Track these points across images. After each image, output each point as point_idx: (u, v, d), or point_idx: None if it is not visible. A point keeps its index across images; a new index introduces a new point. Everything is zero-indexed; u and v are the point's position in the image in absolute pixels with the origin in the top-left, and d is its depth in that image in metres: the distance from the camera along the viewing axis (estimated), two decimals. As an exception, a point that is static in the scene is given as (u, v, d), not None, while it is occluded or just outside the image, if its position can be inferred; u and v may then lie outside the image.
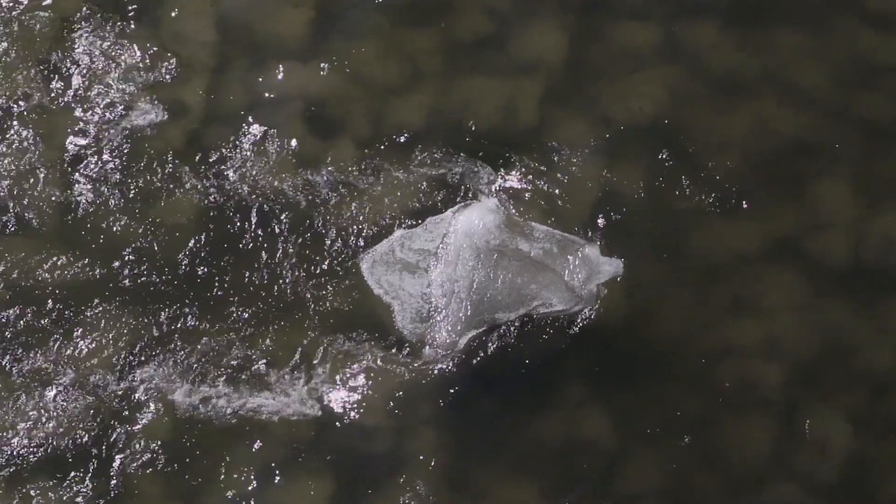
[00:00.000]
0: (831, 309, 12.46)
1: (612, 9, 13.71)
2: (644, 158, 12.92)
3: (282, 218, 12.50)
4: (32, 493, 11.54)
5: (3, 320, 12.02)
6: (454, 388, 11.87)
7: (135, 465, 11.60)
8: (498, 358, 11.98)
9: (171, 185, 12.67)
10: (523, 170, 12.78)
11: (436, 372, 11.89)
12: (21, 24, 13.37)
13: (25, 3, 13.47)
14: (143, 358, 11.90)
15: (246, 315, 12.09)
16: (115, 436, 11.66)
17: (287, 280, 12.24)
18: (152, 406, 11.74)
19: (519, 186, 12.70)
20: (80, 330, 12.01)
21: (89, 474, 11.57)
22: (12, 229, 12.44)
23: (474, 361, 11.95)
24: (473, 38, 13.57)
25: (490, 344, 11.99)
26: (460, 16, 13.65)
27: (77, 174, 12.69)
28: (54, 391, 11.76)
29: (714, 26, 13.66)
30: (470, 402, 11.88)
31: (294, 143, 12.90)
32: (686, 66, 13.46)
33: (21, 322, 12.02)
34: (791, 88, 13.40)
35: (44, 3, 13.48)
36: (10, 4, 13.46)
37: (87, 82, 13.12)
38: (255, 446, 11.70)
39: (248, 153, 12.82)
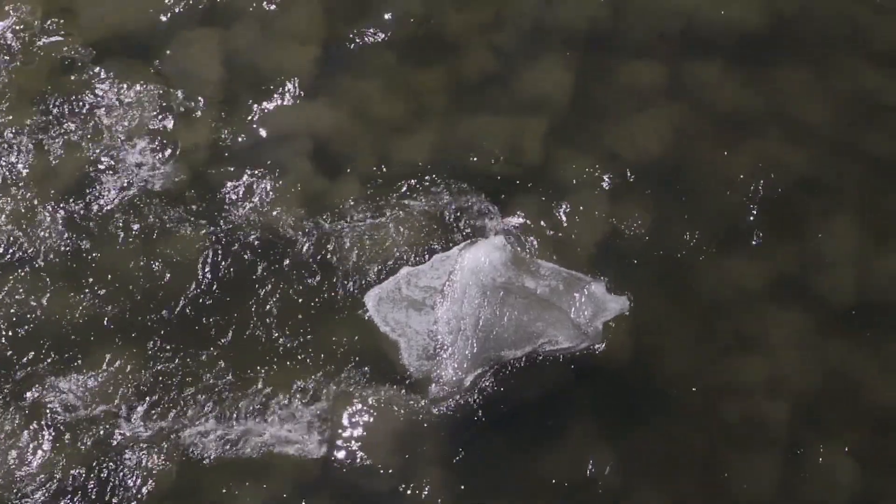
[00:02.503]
0: (836, 346, 12.48)
1: (617, 47, 13.81)
2: (649, 196, 12.97)
3: (287, 255, 12.52)
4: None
5: (8, 356, 12.00)
6: (460, 425, 11.85)
7: (138, 502, 11.56)
8: (504, 395, 11.97)
9: (177, 222, 12.69)
10: (529, 207, 12.81)
11: (442, 409, 11.89)
12: (26, 61, 13.42)
13: (30, 39, 13.51)
14: (147, 395, 11.87)
15: (252, 352, 12.09)
16: (118, 472, 11.62)
17: (293, 317, 12.25)
18: (156, 443, 11.71)
19: (525, 224, 12.73)
20: (85, 366, 11.99)
21: (94, 511, 11.59)
22: (17, 265, 12.44)
23: (481, 399, 11.93)
24: (479, 77, 13.65)
25: (496, 381, 11.98)
26: (466, 54, 13.74)
27: (82, 211, 12.70)
28: (58, 428, 11.74)
29: (718, 65, 13.76)
30: (476, 440, 11.85)
31: (300, 180, 12.92)
32: (691, 104, 13.54)
33: (25, 358, 12.01)
34: (795, 126, 13.47)
35: (48, 41, 13.53)
36: (15, 41, 13.51)
37: (92, 119, 13.15)
38: (260, 484, 11.65)
39: (254, 190, 12.85)
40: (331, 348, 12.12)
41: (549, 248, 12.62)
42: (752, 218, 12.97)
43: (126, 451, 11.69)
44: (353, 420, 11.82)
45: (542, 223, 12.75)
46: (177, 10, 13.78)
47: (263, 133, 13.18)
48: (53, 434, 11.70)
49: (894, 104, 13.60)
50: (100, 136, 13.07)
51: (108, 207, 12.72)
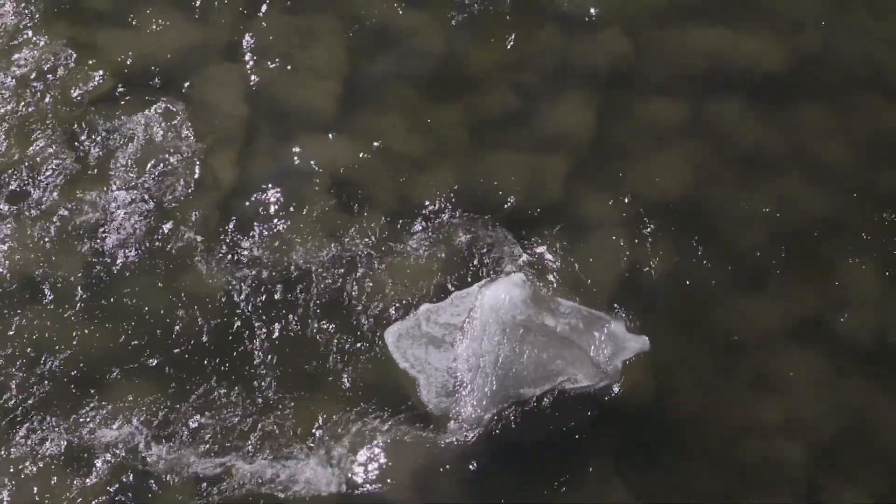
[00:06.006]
0: (855, 387, 12.44)
1: (638, 85, 13.83)
2: (669, 235, 12.96)
3: (307, 290, 12.52)
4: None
5: (28, 390, 12.01)
6: (479, 462, 11.82)
7: (155, 536, 11.61)
8: (522, 433, 11.94)
9: (197, 257, 12.70)
10: (549, 245, 12.82)
11: (460, 446, 11.86)
12: (49, 94, 13.46)
13: (56, 72, 13.57)
14: (164, 428, 11.87)
15: (270, 387, 12.08)
16: (134, 504, 11.68)
17: (312, 353, 12.24)
18: (172, 476, 11.70)
19: (545, 261, 12.74)
20: (103, 400, 11.99)
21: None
22: (38, 299, 12.46)
23: (499, 436, 11.91)
24: (499, 114, 13.66)
25: (515, 419, 11.96)
26: (487, 91, 13.76)
27: (103, 244, 12.73)
28: (76, 462, 11.74)
29: (739, 104, 13.77)
30: (494, 477, 11.83)
31: (320, 215, 12.94)
32: (711, 142, 13.55)
33: (44, 392, 12.01)
34: (815, 166, 13.48)
35: (73, 73, 13.60)
36: (41, 73, 13.58)
37: (114, 153, 13.19)
38: (277, 519, 11.68)
39: (275, 225, 12.87)
40: (350, 384, 12.12)
41: (569, 286, 12.62)
42: (771, 258, 12.97)
43: (142, 483, 11.68)
44: (371, 456, 11.81)
45: (563, 261, 12.76)
46: (200, 45, 13.86)
47: (284, 168, 13.21)
48: (70, 466, 11.70)
49: (914, 142, 13.67)
50: (122, 169, 13.10)
51: (129, 240, 12.74)
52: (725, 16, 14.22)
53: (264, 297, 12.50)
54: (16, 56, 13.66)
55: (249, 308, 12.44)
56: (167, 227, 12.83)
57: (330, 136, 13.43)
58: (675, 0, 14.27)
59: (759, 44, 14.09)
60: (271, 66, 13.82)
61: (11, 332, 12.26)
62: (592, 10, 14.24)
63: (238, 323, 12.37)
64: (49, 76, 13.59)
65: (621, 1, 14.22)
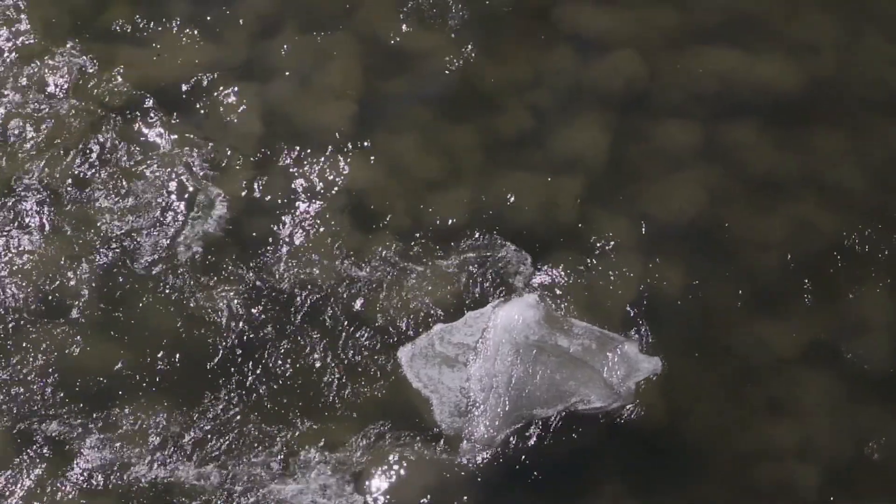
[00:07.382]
0: (868, 412, 12.43)
1: (652, 108, 13.84)
2: (683, 257, 12.96)
3: (320, 310, 12.53)
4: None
5: (39, 406, 12.02)
6: (491, 483, 11.81)
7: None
8: (535, 453, 11.93)
9: (210, 275, 12.72)
10: (563, 266, 12.81)
11: (473, 467, 11.85)
12: (64, 110, 13.50)
13: (70, 91, 13.62)
14: (175, 447, 11.87)
15: (283, 407, 12.08)
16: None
17: (325, 372, 12.24)
18: (185, 495, 11.70)
19: (559, 282, 12.73)
20: (115, 418, 12.00)
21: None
22: (50, 316, 12.47)
23: (512, 456, 11.90)
24: (514, 135, 13.68)
25: (528, 439, 11.95)
26: (502, 112, 13.78)
27: (116, 262, 12.75)
28: (88, 477, 11.74)
29: (753, 127, 13.76)
30: (506, 498, 11.83)
31: (334, 234, 12.95)
32: (725, 166, 13.55)
33: (56, 408, 12.02)
34: (830, 190, 13.47)
35: (88, 90, 13.64)
36: (55, 91, 13.62)
37: (127, 171, 13.22)
38: (289, 539, 11.67)
39: (289, 245, 12.89)
40: (363, 403, 12.12)
41: (583, 307, 12.61)
42: (785, 281, 12.95)
43: (154, 499, 11.68)
44: (384, 476, 11.80)
45: (576, 282, 12.75)
46: (216, 64, 13.89)
47: (299, 187, 13.22)
48: (80, 483, 11.70)
49: (929, 167, 13.65)
50: (136, 187, 13.13)
51: (142, 258, 12.77)
52: (740, 39, 14.23)
53: (277, 315, 12.51)
54: (33, 72, 13.71)
55: (262, 327, 12.45)
56: (180, 244, 12.84)
57: (344, 155, 13.43)
58: (690, 22, 14.29)
59: (773, 67, 14.10)
60: (286, 85, 13.86)
61: (21, 348, 12.27)
62: (606, 32, 14.27)
63: (250, 342, 12.38)
64: (65, 93, 13.63)
65: (635, 23, 14.24)
